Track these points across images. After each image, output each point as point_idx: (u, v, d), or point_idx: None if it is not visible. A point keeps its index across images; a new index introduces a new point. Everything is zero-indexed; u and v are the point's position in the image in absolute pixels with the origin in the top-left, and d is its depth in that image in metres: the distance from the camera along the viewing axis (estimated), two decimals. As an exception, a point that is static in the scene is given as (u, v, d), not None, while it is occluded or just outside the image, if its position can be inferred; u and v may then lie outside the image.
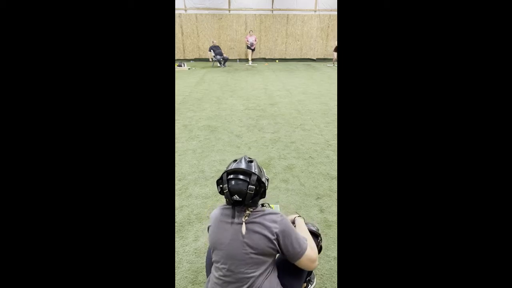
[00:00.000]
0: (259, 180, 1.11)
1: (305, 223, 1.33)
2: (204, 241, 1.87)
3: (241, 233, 1.07)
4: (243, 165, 1.13)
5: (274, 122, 4.16)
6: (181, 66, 8.94)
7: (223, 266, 1.10)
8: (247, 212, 1.11)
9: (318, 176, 2.69)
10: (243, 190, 1.08)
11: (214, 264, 1.15)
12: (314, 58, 11.02)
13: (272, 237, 1.07)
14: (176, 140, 3.50)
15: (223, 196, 1.14)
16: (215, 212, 1.19)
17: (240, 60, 10.75)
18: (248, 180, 1.09)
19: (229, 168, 1.15)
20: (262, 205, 1.27)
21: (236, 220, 1.11)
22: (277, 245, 1.08)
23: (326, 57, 11.02)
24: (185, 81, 7.12)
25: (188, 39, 10.43)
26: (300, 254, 1.09)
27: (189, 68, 8.96)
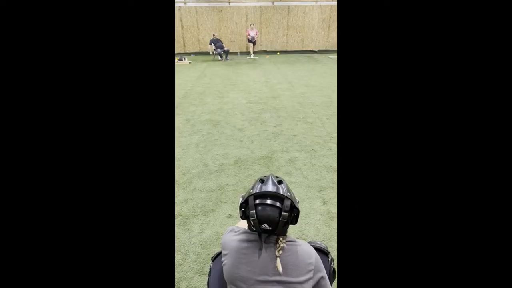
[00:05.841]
0: (292, 205, 0.93)
1: (312, 242, 1.23)
2: (209, 234, 1.91)
3: (276, 270, 0.90)
4: (271, 187, 0.94)
5: (276, 115, 4.16)
6: (182, 60, 8.89)
7: None
8: (280, 244, 0.92)
9: (320, 168, 2.71)
10: (275, 218, 0.90)
11: None
12: (316, 50, 10.92)
13: (308, 269, 0.93)
14: (179, 135, 3.52)
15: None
16: (232, 239, 0.99)
17: (241, 53, 10.67)
18: (280, 206, 0.91)
19: (256, 191, 0.95)
20: None
21: (264, 253, 0.92)
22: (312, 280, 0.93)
23: (328, 48, 10.91)
24: (187, 75, 7.11)
25: (188, 32, 10.34)
26: None
27: (190, 62, 8.92)
